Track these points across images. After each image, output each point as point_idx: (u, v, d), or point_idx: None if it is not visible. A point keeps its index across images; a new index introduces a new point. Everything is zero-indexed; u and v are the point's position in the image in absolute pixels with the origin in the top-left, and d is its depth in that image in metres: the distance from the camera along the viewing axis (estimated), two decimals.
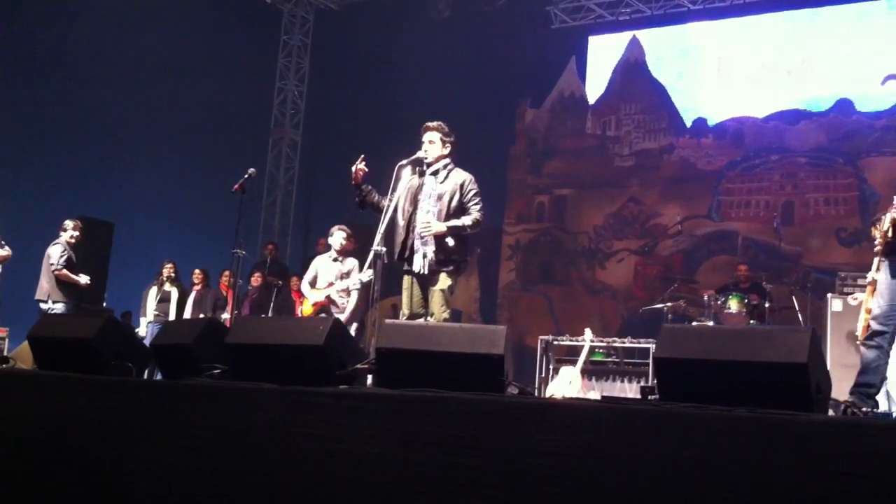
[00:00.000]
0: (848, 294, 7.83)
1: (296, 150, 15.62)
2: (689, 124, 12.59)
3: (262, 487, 3.15)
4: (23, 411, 3.98)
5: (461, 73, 13.17)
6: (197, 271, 10.99)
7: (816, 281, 10.21)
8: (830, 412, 3.12)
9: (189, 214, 13.26)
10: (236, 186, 7.33)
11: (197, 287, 10.92)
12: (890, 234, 4.94)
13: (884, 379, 4.99)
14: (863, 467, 2.25)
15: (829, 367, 3.51)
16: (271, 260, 11.78)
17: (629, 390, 8.11)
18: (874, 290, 5.09)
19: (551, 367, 8.62)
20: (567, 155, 13.50)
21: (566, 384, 7.82)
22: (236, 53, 13.40)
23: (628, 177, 12.88)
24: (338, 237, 8.22)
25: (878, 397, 5.12)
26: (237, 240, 7.48)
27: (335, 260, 8.21)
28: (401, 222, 5.71)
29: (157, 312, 10.41)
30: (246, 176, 7.39)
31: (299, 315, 8.23)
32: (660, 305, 9.18)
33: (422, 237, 5.62)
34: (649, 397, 3.03)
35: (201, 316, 10.03)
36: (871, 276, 5.34)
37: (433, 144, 5.74)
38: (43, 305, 8.67)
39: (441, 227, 5.56)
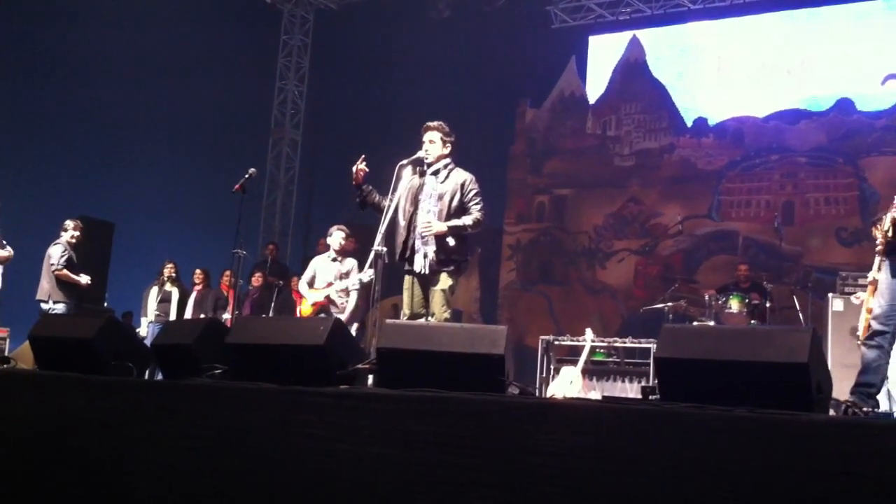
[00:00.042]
0: (848, 294, 7.83)
1: (296, 150, 15.62)
2: (689, 124, 12.59)
3: (262, 487, 3.15)
4: (23, 411, 3.98)
5: (461, 72, 13.17)
6: (198, 271, 11.00)
7: (817, 281, 10.20)
8: (831, 412, 3.11)
9: (189, 214, 13.26)
10: (237, 186, 7.33)
11: (198, 287, 10.92)
12: (890, 233, 4.93)
13: (884, 379, 4.99)
14: (863, 467, 2.24)
15: (829, 367, 3.51)
16: (272, 260, 11.78)
17: (630, 390, 8.11)
18: (875, 289, 5.09)
19: (552, 367, 8.62)
20: (567, 155, 13.50)
21: (567, 384, 7.81)
22: (236, 53, 13.40)
23: (628, 176, 12.88)
24: (337, 237, 8.23)
25: (878, 397, 5.12)
26: (238, 240, 7.48)
27: (334, 260, 8.21)
28: (402, 222, 5.71)
29: (157, 312, 10.42)
30: (246, 176, 7.39)
31: (298, 315, 8.23)
32: (660, 305, 9.18)
33: (422, 237, 5.61)
34: (650, 397, 3.03)
35: (202, 316, 10.04)
36: (871, 275, 5.34)
37: (434, 144, 5.73)
38: (44, 306, 8.67)
39: (442, 226, 5.56)
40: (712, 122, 12.43)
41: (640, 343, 8.40)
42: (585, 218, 13.10)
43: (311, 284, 8.24)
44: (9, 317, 9.42)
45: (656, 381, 3.08)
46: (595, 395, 7.86)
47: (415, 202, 5.70)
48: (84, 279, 8.87)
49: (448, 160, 5.78)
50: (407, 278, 5.71)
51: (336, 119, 14.86)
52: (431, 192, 5.70)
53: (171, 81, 12.82)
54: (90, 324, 4.42)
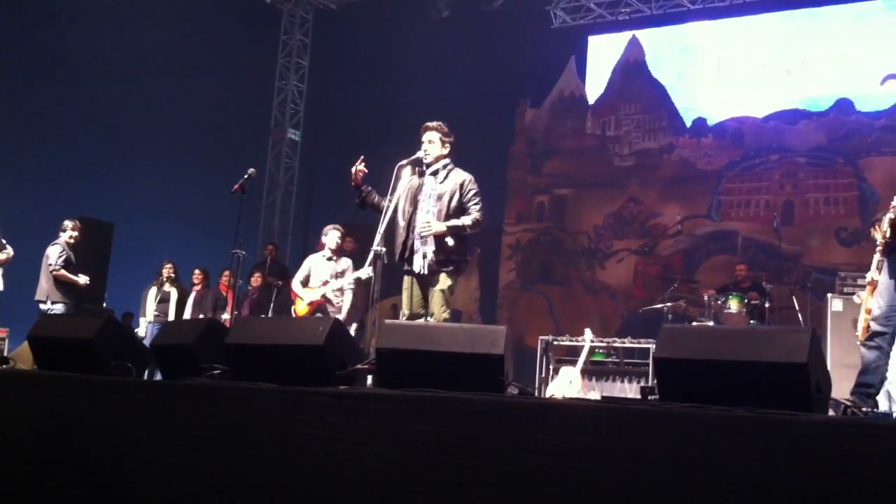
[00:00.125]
0: (848, 294, 7.83)
1: (295, 150, 15.62)
2: (688, 124, 12.59)
3: (262, 487, 3.15)
4: (23, 411, 3.98)
5: (461, 72, 13.17)
6: (197, 271, 11.00)
7: (816, 281, 10.20)
8: (830, 412, 3.11)
9: (189, 214, 13.27)
10: (236, 187, 7.33)
11: (197, 287, 10.92)
12: (888, 234, 4.93)
13: (883, 379, 4.99)
14: (863, 467, 2.25)
15: (829, 367, 3.51)
16: (271, 260, 11.77)
17: (629, 390, 8.11)
18: (874, 289, 5.09)
19: (551, 367, 8.62)
20: (567, 155, 13.50)
21: (566, 384, 7.82)
22: (236, 53, 13.40)
23: (628, 176, 12.88)
24: (333, 236, 8.24)
25: (878, 397, 5.13)
26: (237, 240, 7.48)
27: (329, 259, 8.22)
28: (401, 222, 5.71)
29: (156, 313, 10.42)
30: (246, 176, 7.39)
31: (294, 314, 8.23)
32: (660, 305, 9.18)
33: (422, 237, 5.61)
34: (649, 397, 3.03)
35: (201, 316, 10.04)
36: (870, 275, 5.34)
37: (433, 144, 5.73)
38: (42, 306, 8.68)
39: (441, 226, 5.56)
40: (712, 122, 12.43)
41: (639, 343, 8.41)
42: (585, 218, 13.10)
43: (305, 283, 8.24)
44: (8, 317, 9.42)
45: (655, 382, 3.08)
46: (594, 395, 7.87)
47: (414, 202, 5.70)
48: (82, 279, 8.87)
49: (447, 160, 5.78)
50: (406, 278, 5.71)
51: (336, 119, 14.86)
52: (430, 192, 5.70)
53: (171, 81, 12.83)
54: (90, 324, 4.43)
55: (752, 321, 8.53)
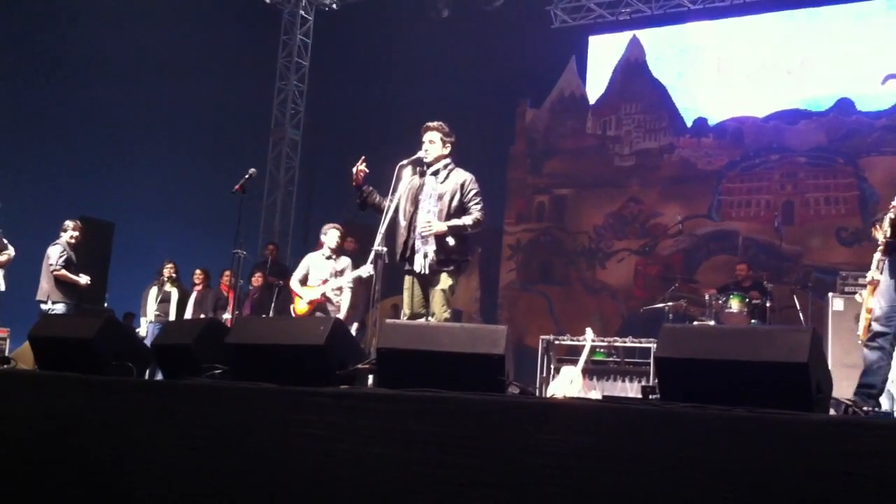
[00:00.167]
0: (849, 294, 7.83)
1: (296, 150, 15.61)
2: (689, 124, 12.60)
3: (262, 487, 3.14)
4: (23, 411, 3.98)
5: (461, 72, 13.17)
6: (198, 271, 11.00)
7: (817, 280, 10.20)
8: (831, 412, 3.11)
9: (190, 214, 13.27)
10: (237, 187, 7.33)
11: (198, 287, 10.92)
12: (889, 233, 4.93)
13: (885, 380, 4.98)
14: (864, 467, 2.24)
15: (830, 367, 3.51)
16: (272, 260, 11.77)
17: (630, 390, 8.11)
18: (874, 289, 5.09)
19: (552, 366, 8.62)
20: (567, 155, 13.50)
21: (567, 384, 7.81)
22: (236, 53, 13.40)
23: (628, 176, 12.88)
24: (333, 235, 8.24)
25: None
26: (238, 240, 7.48)
27: (328, 258, 8.22)
28: (402, 222, 5.70)
29: (157, 312, 10.43)
30: (246, 176, 7.39)
31: (293, 313, 8.23)
32: (660, 305, 9.18)
33: (423, 237, 5.61)
34: (650, 397, 3.03)
35: (202, 316, 10.04)
36: (870, 275, 5.34)
37: (433, 144, 5.73)
38: (43, 306, 8.67)
39: (442, 226, 5.56)
40: (712, 122, 12.43)
41: (640, 343, 8.40)
42: (585, 218, 13.10)
43: (303, 282, 8.24)
44: (9, 317, 9.43)
45: (656, 381, 3.08)
46: (595, 394, 7.86)
47: (415, 202, 5.70)
48: (83, 279, 8.87)
49: (448, 160, 5.78)
50: (407, 278, 5.71)
51: (336, 119, 14.86)
52: (431, 192, 5.70)
53: (171, 81, 12.83)
54: (90, 324, 4.42)
55: (752, 321, 8.53)
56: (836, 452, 2.29)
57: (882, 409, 5.20)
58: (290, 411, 3.20)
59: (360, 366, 3.68)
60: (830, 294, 8.08)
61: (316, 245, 10.44)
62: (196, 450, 3.34)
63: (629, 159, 12.93)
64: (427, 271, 5.59)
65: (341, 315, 7.89)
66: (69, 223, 9.00)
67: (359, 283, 8.24)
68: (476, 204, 5.68)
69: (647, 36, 13.23)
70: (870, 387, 4.83)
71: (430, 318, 5.52)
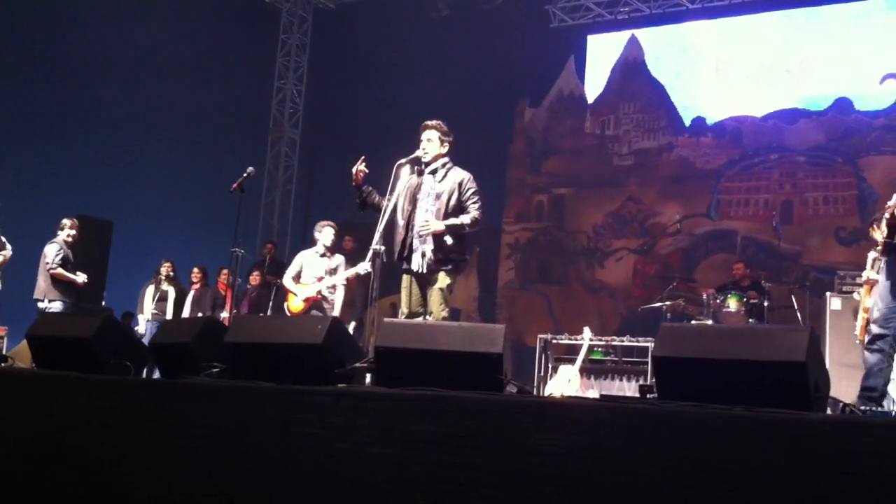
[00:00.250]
0: (847, 293, 7.84)
1: (294, 150, 15.61)
2: (687, 123, 12.59)
3: (262, 487, 3.15)
4: (22, 410, 3.98)
5: (460, 72, 13.15)
6: (195, 270, 11.00)
7: (815, 280, 10.21)
8: (829, 411, 3.11)
9: (188, 213, 13.26)
10: (235, 185, 7.33)
11: (195, 286, 10.92)
12: (885, 233, 4.93)
13: (887, 382, 4.97)
14: (862, 466, 2.24)
15: (827, 366, 3.51)
16: (270, 259, 11.77)
17: (628, 389, 8.12)
18: (871, 288, 5.08)
19: (550, 365, 8.63)
20: (566, 154, 13.50)
21: (565, 383, 7.82)
22: (235, 53, 13.39)
23: (627, 176, 12.88)
24: (328, 233, 8.24)
25: None
26: (236, 239, 7.48)
27: (322, 255, 8.21)
28: (400, 221, 5.71)
29: (155, 311, 10.43)
30: (245, 175, 7.39)
31: (287, 310, 8.22)
32: (659, 304, 9.18)
33: (421, 236, 5.61)
34: (648, 396, 3.03)
35: (199, 315, 10.03)
36: (866, 274, 5.34)
37: (431, 143, 5.73)
38: (40, 304, 8.68)
39: (440, 225, 5.56)
40: (711, 121, 12.43)
41: (638, 342, 8.42)
42: (584, 217, 13.10)
43: (297, 279, 8.23)
44: (7, 315, 9.43)
45: (654, 380, 3.08)
46: (593, 393, 7.87)
47: (413, 201, 5.70)
48: (80, 277, 8.87)
49: (446, 159, 5.78)
50: (405, 277, 5.71)
51: (335, 118, 14.85)
52: (429, 191, 5.70)
53: (170, 81, 12.82)
54: (88, 323, 4.42)
55: (750, 320, 8.54)
56: (834, 452, 2.30)
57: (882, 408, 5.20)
58: (289, 410, 3.21)
59: (358, 365, 3.68)
60: (828, 293, 8.09)
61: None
62: (195, 449, 3.34)
63: (628, 158, 12.93)
64: (425, 270, 5.59)
65: (335, 313, 7.89)
66: (66, 221, 9.01)
67: (357, 282, 8.24)
68: (474, 203, 5.68)
69: (645, 35, 13.23)
70: (871, 390, 4.82)
71: (428, 316, 5.53)
